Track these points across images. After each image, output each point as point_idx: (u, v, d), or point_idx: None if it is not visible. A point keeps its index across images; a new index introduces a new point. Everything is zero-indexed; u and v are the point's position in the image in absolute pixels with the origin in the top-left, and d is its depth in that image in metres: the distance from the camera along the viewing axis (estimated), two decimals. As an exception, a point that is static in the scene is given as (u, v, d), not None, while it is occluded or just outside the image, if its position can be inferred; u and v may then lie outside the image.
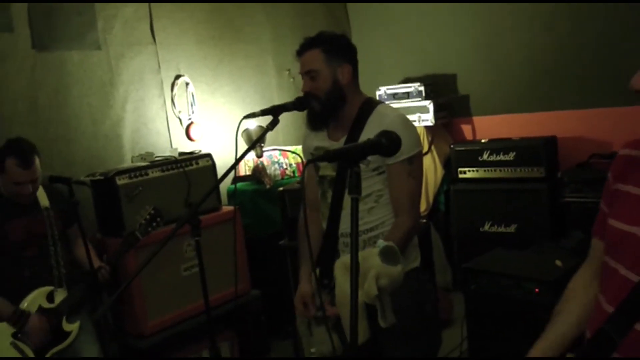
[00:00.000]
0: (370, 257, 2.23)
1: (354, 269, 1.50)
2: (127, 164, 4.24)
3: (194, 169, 4.19)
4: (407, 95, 5.55)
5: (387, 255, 2.22)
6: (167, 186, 4.04)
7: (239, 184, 4.92)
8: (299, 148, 5.16)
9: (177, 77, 4.82)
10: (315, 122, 2.73)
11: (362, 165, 2.46)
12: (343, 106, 2.67)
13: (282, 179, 5.00)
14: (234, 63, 5.23)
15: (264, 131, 2.64)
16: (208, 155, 4.32)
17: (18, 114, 3.95)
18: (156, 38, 4.71)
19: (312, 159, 1.57)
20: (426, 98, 5.40)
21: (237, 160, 2.55)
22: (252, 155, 4.90)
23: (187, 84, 4.84)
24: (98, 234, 3.96)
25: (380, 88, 5.66)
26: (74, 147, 4.22)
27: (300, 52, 2.70)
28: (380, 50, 6.04)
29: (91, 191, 3.94)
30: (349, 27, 6.26)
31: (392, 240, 2.33)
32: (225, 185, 4.86)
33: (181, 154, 4.31)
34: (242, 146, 5.05)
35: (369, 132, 2.57)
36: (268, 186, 4.77)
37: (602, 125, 4.82)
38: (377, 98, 5.37)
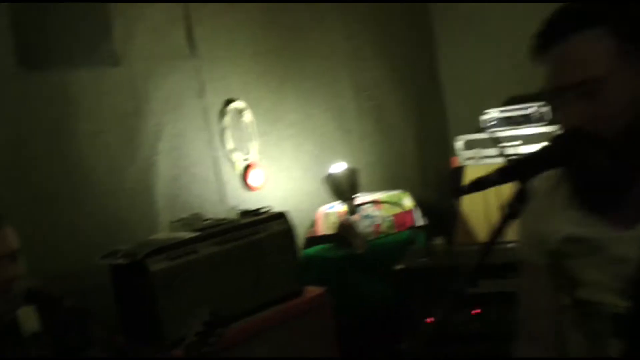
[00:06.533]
0: None
1: None
2: (164, 232, 2.88)
3: (264, 236, 2.80)
4: (527, 120, 4.15)
5: None
6: (227, 266, 2.66)
7: (317, 248, 3.53)
8: (393, 194, 3.79)
9: (228, 102, 3.45)
10: (599, 196, 1.33)
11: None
12: None
13: (377, 237, 3.60)
14: (301, 83, 3.88)
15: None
16: (282, 216, 2.94)
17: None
18: (197, 50, 3.36)
19: None
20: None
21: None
22: (336, 207, 3.56)
23: (241, 111, 3.47)
24: (121, 340, 2.58)
25: (487, 111, 4.23)
26: (81, 210, 2.85)
27: (552, 39, 1.31)
28: (477, 63, 4.66)
29: (110, 281, 2.57)
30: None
31: None
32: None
33: (243, 213, 2.94)
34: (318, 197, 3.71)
35: None
36: (360, 251, 3.38)
37: None
38: (484, 124, 4.05)
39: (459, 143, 3.95)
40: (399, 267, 3.06)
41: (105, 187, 2.94)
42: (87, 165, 2.89)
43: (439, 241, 3.24)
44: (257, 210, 2.97)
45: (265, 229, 2.82)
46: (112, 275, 2.57)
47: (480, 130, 4.04)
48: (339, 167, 3.50)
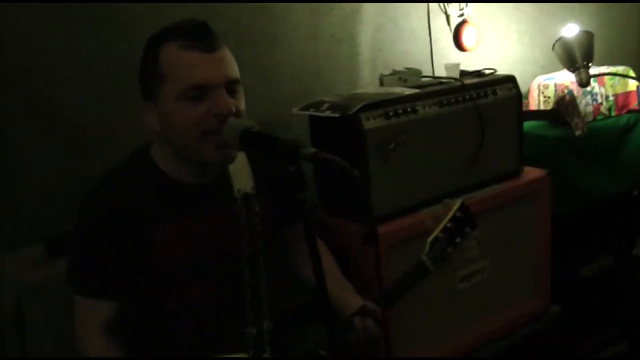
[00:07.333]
0: None
1: None
2: (370, 86, 2.48)
3: (491, 101, 2.34)
4: None
5: None
6: (448, 132, 2.23)
7: (528, 124, 3.03)
8: (619, 69, 3.19)
9: (446, -58, 2.93)
10: None
11: None
12: None
13: (594, 119, 3.05)
14: None
15: None
16: (511, 80, 2.44)
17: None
18: None
19: None
20: None
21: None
22: (556, 78, 3.01)
23: (460, -44, 2.96)
24: (319, 213, 2.25)
25: None
26: (279, 52, 2.50)
27: None
28: None
29: (310, 136, 2.22)
30: None
31: None
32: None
33: (464, 73, 2.49)
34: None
35: None
36: (579, 132, 2.87)
37: None
38: None
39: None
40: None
41: (304, 30, 2.55)
42: (282, 6, 2.50)
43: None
44: (479, 71, 2.50)
45: (492, 93, 2.34)
46: (313, 129, 2.21)
47: None
48: (571, 30, 2.92)
